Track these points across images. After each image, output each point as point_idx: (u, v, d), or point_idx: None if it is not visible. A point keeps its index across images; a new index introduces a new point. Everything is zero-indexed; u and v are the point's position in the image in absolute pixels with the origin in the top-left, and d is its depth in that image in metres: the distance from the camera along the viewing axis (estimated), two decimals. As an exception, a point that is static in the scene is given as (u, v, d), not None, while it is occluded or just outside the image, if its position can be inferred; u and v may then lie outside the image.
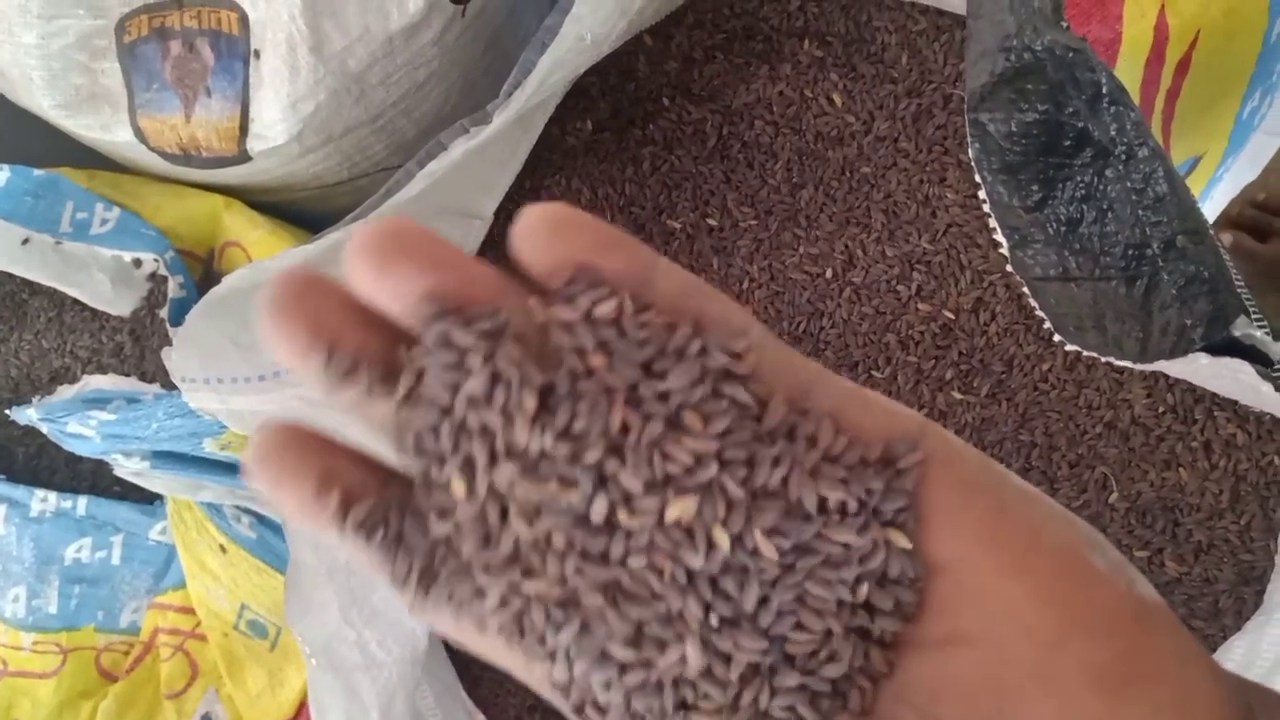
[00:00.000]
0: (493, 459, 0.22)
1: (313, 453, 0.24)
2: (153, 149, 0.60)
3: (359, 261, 0.22)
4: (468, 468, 0.22)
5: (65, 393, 0.63)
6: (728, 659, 0.22)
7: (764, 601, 0.22)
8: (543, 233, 0.22)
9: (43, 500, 0.63)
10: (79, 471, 0.66)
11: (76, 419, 0.58)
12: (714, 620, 0.22)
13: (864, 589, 0.22)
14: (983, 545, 0.22)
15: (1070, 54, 0.40)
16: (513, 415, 0.22)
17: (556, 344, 0.22)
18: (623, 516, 0.22)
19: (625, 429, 0.22)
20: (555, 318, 0.23)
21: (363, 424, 0.24)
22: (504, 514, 0.22)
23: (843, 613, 0.22)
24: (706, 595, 0.22)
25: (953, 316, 0.52)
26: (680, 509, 0.21)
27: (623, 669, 0.22)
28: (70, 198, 0.63)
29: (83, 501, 0.63)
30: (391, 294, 0.22)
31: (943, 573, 0.22)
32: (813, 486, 0.22)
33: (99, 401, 0.59)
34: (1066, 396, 0.50)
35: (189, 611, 0.64)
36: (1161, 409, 0.49)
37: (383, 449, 0.25)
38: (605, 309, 0.22)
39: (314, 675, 0.53)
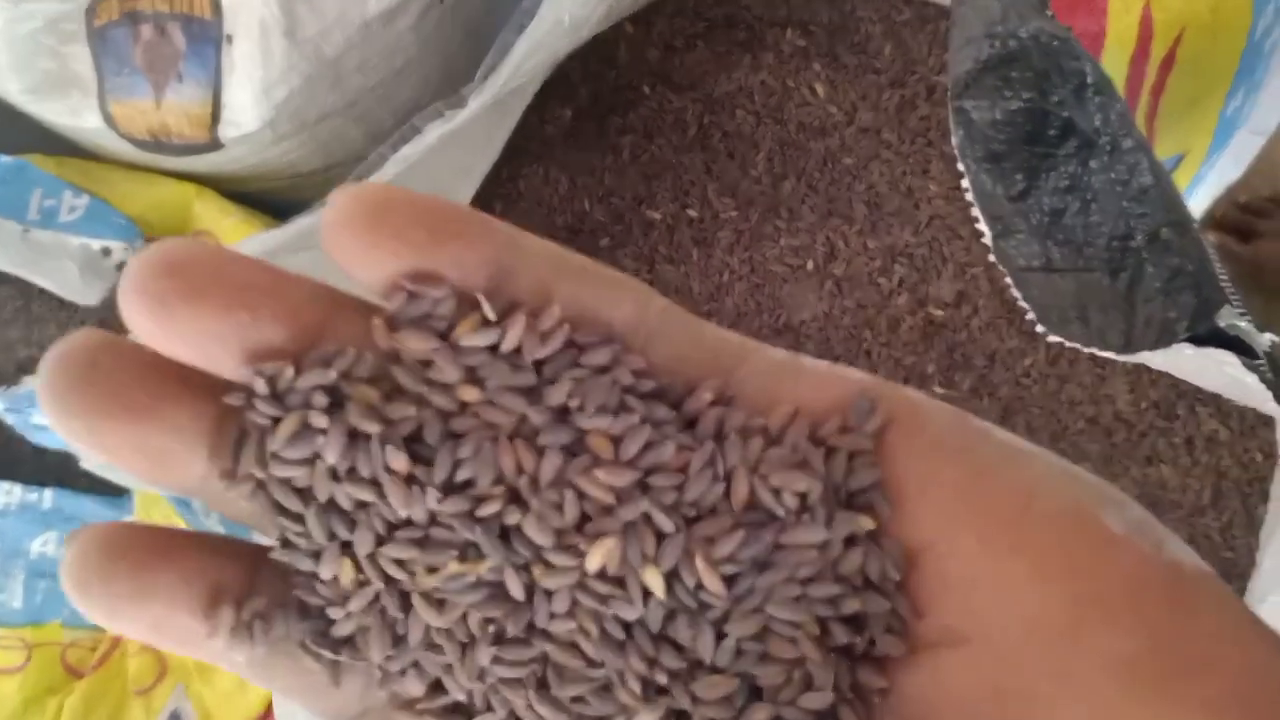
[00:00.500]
0: (378, 539, 0.18)
1: (156, 561, 0.18)
2: (122, 135, 0.58)
3: (134, 308, 0.17)
4: (350, 556, 0.18)
5: (31, 383, 0.62)
6: (682, 715, 0.18)
7: (720, 639, 0.18)
8: (355, 233, 0.17)
9: (7, 493, 0.62)
10: (45, 464, 0.65)
11: (41, 410, 0.57)
12: (661, 678, 0.18)
13: (845, 603, 0.18)
14: (963, 520, 0.18)
15: (1055, 42, 0.39)
16: (382, 481, 0.18)
17: (410, 383, 0.18)
18: (538, 575, 0.18)
19: (520, 470, 0.18)
20: (405, 350, 0.18)
21: (214, 510, 0.19)
22: (407, 600, 0.19)
23: (820, 631, 0.18)
24: (649, 650, 0.18)
25: (935, 310, 0.51)
26: (602, 555, 0.18)
27: None
28: (38, 185, 0.61)
29: (49, 494, 0.62)
30: (185, 345, 0.17)
31: (919, 561, 0.18)
32: (763, 483, 0.18)
33: (65, 392, 0.58)
34: (1049, 391, 0.50)
35: (157, 607, 0.63)
36: (1144, 404, 0.49)
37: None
38: (464, 330, 0.18)
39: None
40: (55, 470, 0.65)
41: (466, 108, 0.41)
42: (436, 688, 0.19)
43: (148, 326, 0.17)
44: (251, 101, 0.55)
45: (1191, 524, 0.49)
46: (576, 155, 0.55)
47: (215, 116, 0.56)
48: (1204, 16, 0.56)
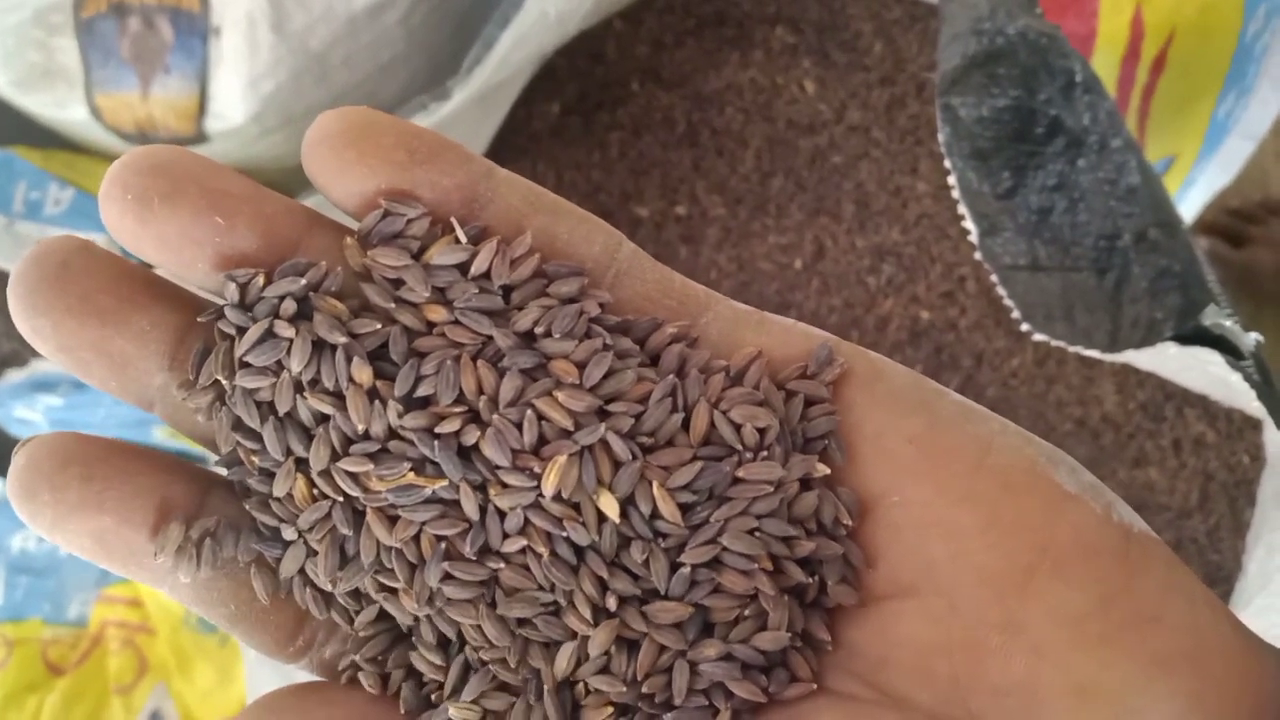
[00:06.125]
0: (334, 454, 0.18)
1: (107, 470, 0.18)
2: (108, 128, 0.58)
3: (114, 205, 0.17)
4: (304, 473, 0.18)
5: (13, 377, 0.61)
6: (633, 646, 0.18)
7: (674, 569, 0.18)
8: (336, 148, 0.18)
9: (-11, 488, 0.61)
10: (27, 459, 0.64)
11: (23, 404, 0.56)
12: (611, 602, 0.18)
13: (798, 544, 0.18)
14: (917, 471, 0.18)
15: (1043, 40, 0.39)
16: (344, 394, 0.18)
17: (380, 299, 0.19)
18: (493, 495, 0.18)
19: (481, 390, 0.18)
20: (375, 266, 0.19)
21: (170, 425, 0.19)
22: (359, 518, 0.18)
23: (773, 571, 0.18)
24: (601, 572, 0.18)
25: (922, 310, 0.51)
26: (557, 477, 0.18)
27: (507, 688, 0.19)
28: (23, 177, 0.61)
29: (30, 489, 0.62)
30: (160, 246, 0.18)
31: (872, 510, 0.18)
32: (723, 417, 0.18)
33: (47, 386, 0.58)
34: (1036, 392, 0.50)
35: (138, 605, 0.62)
36: (1131, 406, 0.48)
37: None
38: (436, 251, 0.18)
39: (252, 668, 0.52)
40: (38, 465, 0.64)
41: (450, 100, 0.41)
42: (381, 619, 0.19)
43: (126, 224, 0.17)
44: (238, 95, 0.55)
45: (1178, 527, 0.49)
46: (564, 151, 0.55)
47: (201, 109, 0.56)
48: (1194, 17, 0.56)
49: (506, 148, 0.55)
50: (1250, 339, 0.35)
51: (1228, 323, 0.35)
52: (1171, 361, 0.37)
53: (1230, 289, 0.37)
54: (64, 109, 0.58)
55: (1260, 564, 0.43)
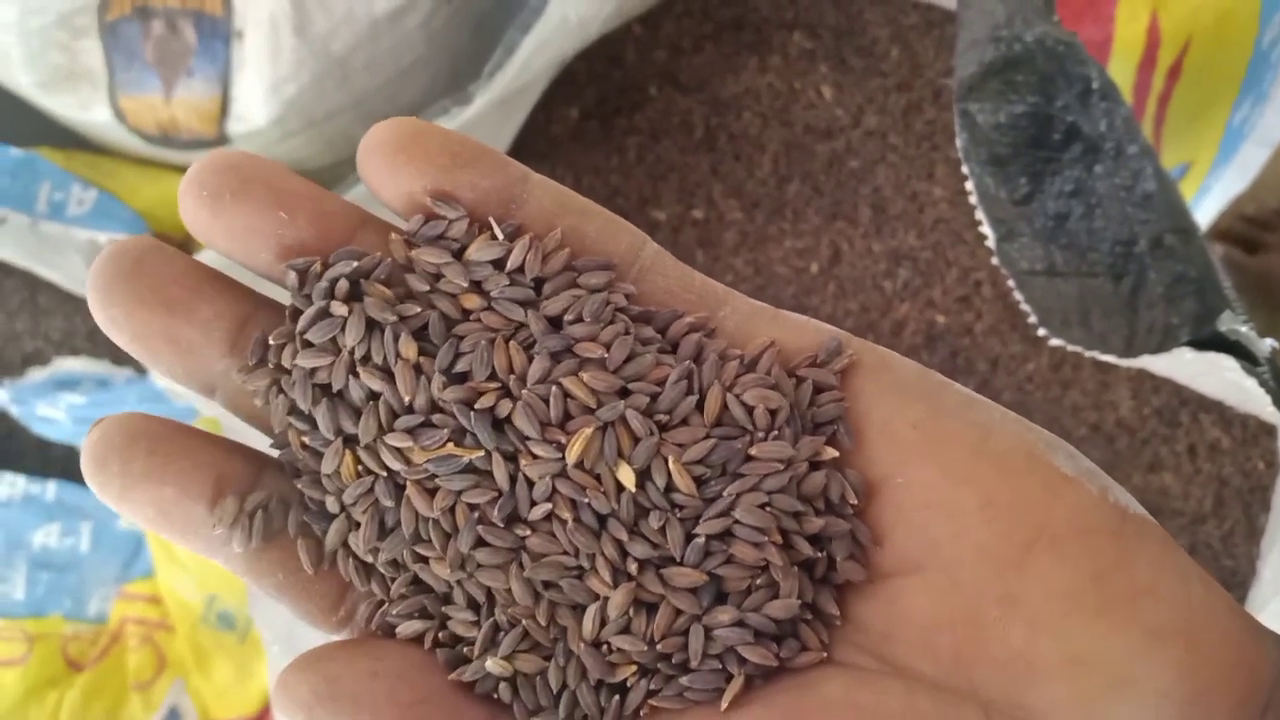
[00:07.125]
0: (380, 428, 0.20)
1: (170, 446, 0.20)
2: (131, 129, 0.59)
3: (190, 199, 0.19)
4: (352, 450, 0.20)
5: (36, 375, 0.62)
6: (652, 609, 0.20)
7: (689, 539, 0.19)
8: (388, 152, 0.19)
9: (11, 484, 0.62)
10: (49, 456, 0.65)
11: (46, 402, 0.57)
12: (632, 566, 0.19)
13: (807, 521, 0.19)
14: (921, 455, 0.19)
15: (1060, 47, 0.39)
16: (393, 369, 0.20)
17: (423, 289, 0.20)
18: (523, 465, 0.19)
19: (511, 369, 0.20)
20: (419, 262, 0.20)
21: (228, 410, 0.21)
22: (400, 492, 0.20)
23: (783, 543, 0.20)
24: (621, 537, 0.19)
25: (938, 314, 0.51)
26: (580, 448, 0.19)
27: (538, 647, 0.20)
28: (47, 177, 0.62)
29: (52, 486, 0.62)
30: (229, 236, 0.20)
31: (878, 492, 0.19)
32: (735, 399, 0.20)
33: (69, 384, 0.58)
34: (1051, 397, 0.50)
35: (157, 601, 0.63)
36: (1146, 411, 0.49)
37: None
38: (474, 249, 0.20)
39: (275, 664, 0.52)
40: (59, 462, 0.65)
41: (472, 105, 0.42)
42: (416, 582, 0.21)
43: (201, 216, 0.19)
44: (260, 98, 0.55)
45: (1193, 532, 0.49)
46: (583, 155, 0.55)
47: (224, 112, 0.57)
48: (1210, 26, 0.56)
49: (525, 152, 0.55)
50: (1265, 345, 0.35)
51: (1243, 328, 0.35)
52: (1187, 367, 0.37)
53: (1246, 295, 0.37)
54: (88, 111, 0.59)
55: (1274, 569, 0.43)
